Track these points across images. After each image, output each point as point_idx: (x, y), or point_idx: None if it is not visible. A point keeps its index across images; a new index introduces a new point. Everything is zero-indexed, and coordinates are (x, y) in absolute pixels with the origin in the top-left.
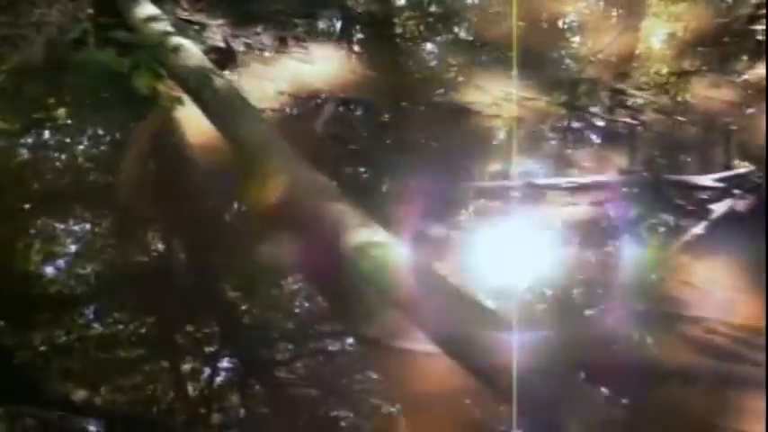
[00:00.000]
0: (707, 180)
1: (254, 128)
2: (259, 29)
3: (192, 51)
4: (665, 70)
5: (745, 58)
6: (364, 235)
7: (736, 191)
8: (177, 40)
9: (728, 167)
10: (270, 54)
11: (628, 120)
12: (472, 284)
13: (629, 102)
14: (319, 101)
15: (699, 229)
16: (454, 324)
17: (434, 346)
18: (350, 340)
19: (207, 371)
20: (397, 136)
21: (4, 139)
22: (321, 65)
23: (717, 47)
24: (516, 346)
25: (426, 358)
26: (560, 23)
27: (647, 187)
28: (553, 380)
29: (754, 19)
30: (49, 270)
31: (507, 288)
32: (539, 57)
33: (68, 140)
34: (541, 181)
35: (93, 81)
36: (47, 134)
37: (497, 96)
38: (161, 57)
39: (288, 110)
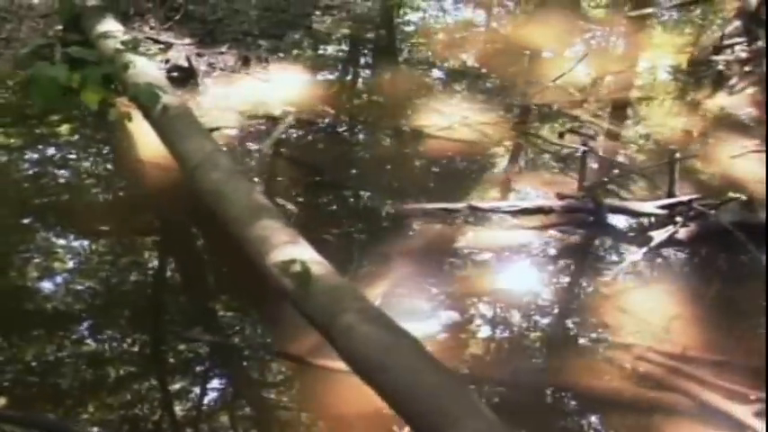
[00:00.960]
0: (649, 206)
1: (197, 145)
2: (224, 48)
3: (145, 69)
4: (622, 97)
5: (706, 87)
6: (289, 253)
7: (678, 218)
8: (130, 57)
9: (672, 195)
10: (232, 73)
11: (577, 146)
12: (407, 307)
13: (583, 128)
14: (274, 120)
15: (638, 255)
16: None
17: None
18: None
19: (197, 390)
20: (348, 156)
21: (5, 153)
22: (281, 85)
23: (680, 76)
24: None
25: (345, 377)
26: (525, 50)
27: (588, 213)
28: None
29: (719, 50)
30: (46, 285)
31: (444, 312)
32: (500, 82)
33: (72, 156)
34: (484, 204)
35: (43, 95)
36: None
37: (454, 120)
38: (111, 73)
39: (244, 128)
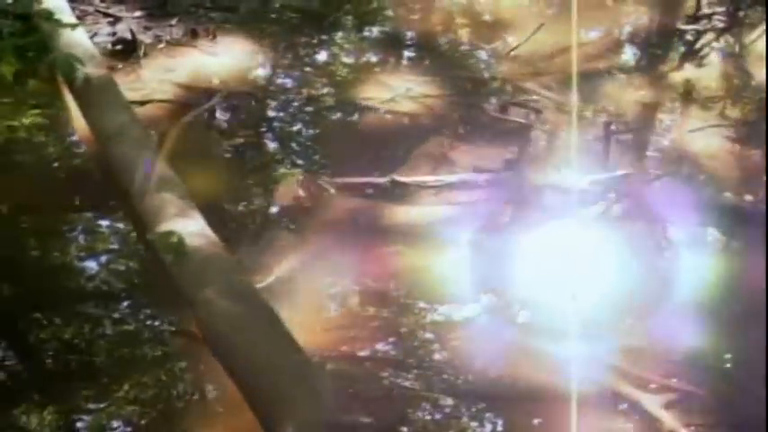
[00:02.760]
0: (581, 182)
1: (113, 117)
2: (173, 21)
3: (74, 40)
4: (581, 70)
5: (674, 58)
6: (177, 225)
7: (611, 194)
8: (57, 28)
9: (607, 170)
10: (178, 46)
11: (519, 119)
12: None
13: (529, 101)
14: (211, 92)
15: (566, 233)
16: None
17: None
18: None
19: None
20: (279, 129)
21: (44, 134)
22: (226, 57)
23: (645, 47)
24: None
25: None
26: (480, 19)
27: (516, 188)
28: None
29: (695, 20)
30: (87, 265)
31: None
32: (452, 53)
33: None
34: (407, 179)
35: None
36: None
37: (398, 92)
38: (31, 44)
39: (179, 100)
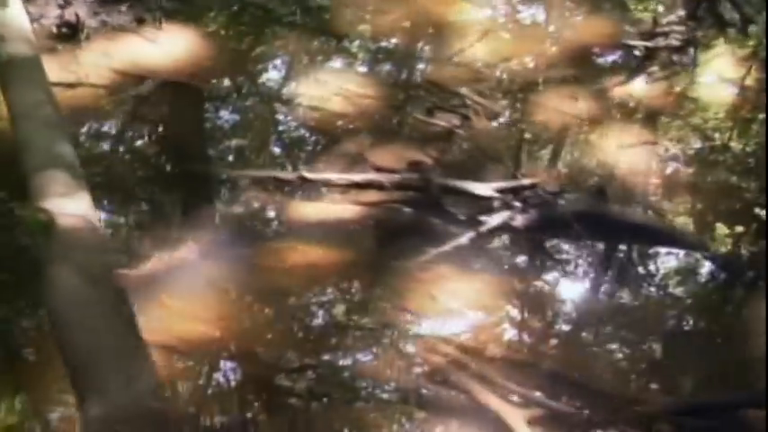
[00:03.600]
0: (485, 189)
1: (29, 96)
2: (123, 7)
3: (6, 20)
4: (523, 80)
5: (621, 74)
6: (59, 203)
7: (516, 203)
8: None
9: (515, 179)
10: (122, 32)
11: (442, 123)
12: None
13: (460, 106)
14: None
15: (463, 239)
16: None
17: None
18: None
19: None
20: (201, 121)
21: None
22: (168, 46)
23: (594, 61)
24: None
25: None
26: (428, 25)
27: (420, 191)
28: None
29: (650, 36)
30: None
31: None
32: (393, 55)
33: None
34: (315, 175)
35: None
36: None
37: (330, 90)
38: None
39: (110, 85)
